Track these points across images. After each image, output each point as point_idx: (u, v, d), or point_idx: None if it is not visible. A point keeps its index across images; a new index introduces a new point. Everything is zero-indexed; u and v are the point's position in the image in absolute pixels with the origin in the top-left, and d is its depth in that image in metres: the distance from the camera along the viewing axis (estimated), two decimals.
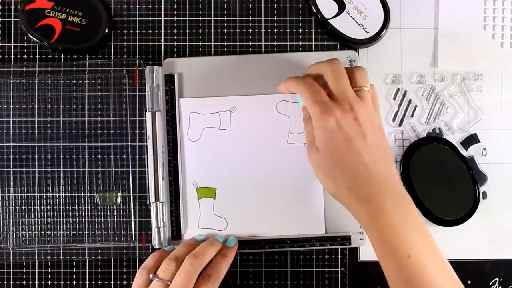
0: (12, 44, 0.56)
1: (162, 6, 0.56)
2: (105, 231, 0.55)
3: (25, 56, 0.56)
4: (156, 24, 0.56)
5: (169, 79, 0.55)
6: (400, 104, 0.56)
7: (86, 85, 0.55)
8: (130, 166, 0.55)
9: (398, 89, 0.56)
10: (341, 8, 0.55)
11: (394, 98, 0.56)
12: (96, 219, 0.55)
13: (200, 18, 0.56)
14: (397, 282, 0.43)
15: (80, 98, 0.55)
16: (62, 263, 0.55)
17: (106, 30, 0.54)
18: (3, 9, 0.56)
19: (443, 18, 0.56)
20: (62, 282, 0.55)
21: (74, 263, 0.55)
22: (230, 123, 0.54)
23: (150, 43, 0.56)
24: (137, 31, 0.56)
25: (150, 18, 0.56)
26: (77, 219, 0.55)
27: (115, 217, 0.55)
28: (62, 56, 0.56)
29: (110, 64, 0.55)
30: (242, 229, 0.54)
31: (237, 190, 0.54)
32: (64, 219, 0.55)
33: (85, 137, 0.55)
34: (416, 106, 0.56)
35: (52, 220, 0.55)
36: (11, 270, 0.55)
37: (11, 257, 0.55)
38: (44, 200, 0.55)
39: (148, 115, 0.54)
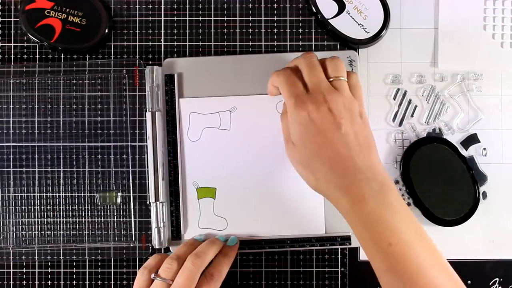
0: (12, 44, 0.56)
1: (162, 6, 0.56)
2: (105, 231, 0.55)
3: (25, 56, 0.56)
4: (156, 24, 0.56)
5: (169, 79, 0.55)
6: (400, 104, 0.56)
7: (86, 85, 0.55)
8: (130, 166, 0.55)
9: (398, 89, 0.56)
10: (341, 8, 0.55)
11: (394, 98, 0.56)
12: (96, 219, 0.55)
13: (200, 18, 0.56)
14: (382, 271, 0.42)
15: (80, 98, 0.55)
16: (62, 263, 0.55)
17: (106, 30, 0.54)
18: (3, 9, 0.56)
19: (443, 18, 0.56)
20: (62, 282, 0.55)
21: (74, 263, 0.55)
22: (230, 123, 0.54)
23: (150, 43, 0.56)
24: (137, 31, 0.56)
25: (150, 18, 0.56)
26: (77, 219, 0.55)
27: (115, 217, 0.55)
28: (62, 56, 0.56)
29: (110, 64, 0.55)
30: (242, 229, 0.54)
31: (237, 190, 0.54)
32: (64, 219, 0.55)
33: (85, 137, 0.55)
34: (416, 106, 0.56)
35: (52, 220, 0.55)
36: (11, 270, 0.55)
37: (11, 257, 0.55)
38: (44, 200, 0.55)
39: (148, 115, 0.54)
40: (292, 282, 0.55)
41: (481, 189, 0.55)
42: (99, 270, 0.55)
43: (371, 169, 0.44)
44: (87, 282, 0.55)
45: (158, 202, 0.54)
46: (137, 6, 0.56)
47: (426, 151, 0.54)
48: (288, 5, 0.56)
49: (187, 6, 0.56)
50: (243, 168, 0.54)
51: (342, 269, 0.55)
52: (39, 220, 0.55)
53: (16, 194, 0.55)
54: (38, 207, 0.55)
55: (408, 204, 0.55)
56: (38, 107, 0.55)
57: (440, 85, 0.56)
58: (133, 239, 0.55)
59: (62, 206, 0.55)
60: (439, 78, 0.56)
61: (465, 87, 0.56)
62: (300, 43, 0.56)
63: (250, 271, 0.56)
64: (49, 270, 0.55)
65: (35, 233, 0.55)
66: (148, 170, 0.54)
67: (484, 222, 0.55)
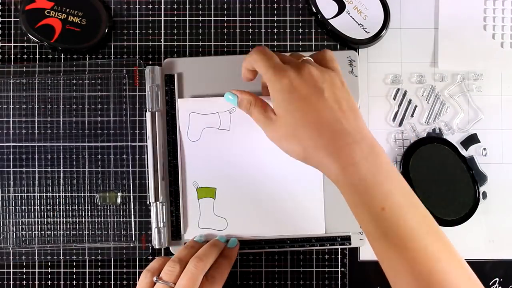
0: (12, 44, 0.56)
1: (162, 6, 0.56)
2: (105, 231, 0.55)
3: (25, 56, 0.56)
4: (156, 24, 0.56)
5: (169, 79, 0.55)
6: (400, 104, 0.56)
7: (86, 85, 0.55)
8: (130, 166, 0.55)
9: (398, 89, 0.56)
10: (341, 8, 0.55)
11: (394, 98, 0.56)
12: (96, 219, 0.55)
13: (200, 18, 0.56)
14: (375, 237, 0.41)
15: (80, 98, 0.55)
16: (62, 263, 0.55)
17: (106, 30, 0.54)
18: (3, 9, 0.56)
19: (443, 18, 0.56)
20: (62, 282, 0.55)
21: (74, 263, 0.55)
22: (230, 123, 0.54)
23: (150, 43, 0.56)
24: (137, 31, 0.56)
25: (150, 18, 0.56)
26: (77, 219, 0.55)
27: (115, 217, 0.55)
28: (62, 56, 0.56)
29: (110, 64, 0.55)
30: (242, 229, 0.54)
31: (237, 190, 0.54)
32: (64, 219, 0.55)
33: (85, 137, 0.55)
34: (416, 106, 0.56)
35: (52, 220, 0.55)
36: (11, 270, 0.55)
37: (11, 257, 0.55)
38: (44, 200, 0.55)
39: (148, 115, 0.54)
40: (292, 282, 0.55)
41: (481, 189, 0.55)
42: (99, 270, 0.55)
43: (359, 132, 0.43)
44: (87, 282, 0.55)
45: (158, 202, 0.54)
46: (137, 6, 0.56)
47: (426, 151, 0.54)
48: (288, 5, 0.56)
49: (187, 6, 0.56)
50: (243, 168, 0.54)
51: (342, 269, 0.55)
52: (39, 220, 0.55)
53: (16, 194, 0.55)
54: (38, 207, 0.55)
55: None
56: (38, 107, 0.55)
57: (440, 85, 0.56)
58: (133, 239, 0.55)
59: (62, 206, 0.55)
60: (439, 78, 0.56)
61: (465, 87, 0.56)
62: (300, 43, 0.56)
63: (250, 271, 0.56)
64: (49, 270, 0.55)
65: (35, 233, 0.55)
66: (148, 170, 0.54)
67: (484, 222, 0.55)
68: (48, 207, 0.55)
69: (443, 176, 0.54)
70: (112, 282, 0.55)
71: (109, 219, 0.55)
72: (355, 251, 0.55)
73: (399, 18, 0.56)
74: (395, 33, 0.56)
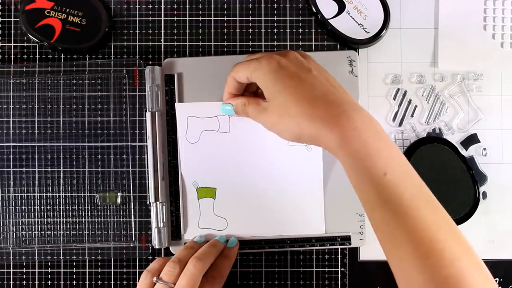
0: (12, 44, 0.56)
1: (162, 6, 0.56)
2: (105, 231, 0.55)
3: (25, 56, 0.56)
4: (156, 24, 0.56)
5: (169, 79, 0.55)
6: (400, 104, 0.56)
7: (86, 85, 0.55)
8: (130, 166, 0.55)
9: (398, 89, 0.56)
10: (341, 8, 0.55)
11: (394, 98, 0.56)
12: (96, 219, 0.55)
13: (200, 18, 0.56)
14: (375, 205, 0.40)
15: (80, 98, 0.55)
16: (62, 263, 0.55)
17: (106, 30, 0.54)
18: (3, 9, 0.56)
19: (443, 18, 0.56)
20: (62, 282, 0.55)
21: (74, 263, 0.55)
22: (229, 126, 0.54)
23: (150, 43, 0.56)
24: (137, 31, 0.56)
25: (150, 18, 0.56)
26: (77, 219, 0.55)
27: (115, 217, 0.55)
28: (62, 56, 0.56)
29: (110, 64, 0.55)
30: (242, 229, 0.54)
31: (237, 190, 0.54)
32: (64, 219, 0.55)
33: (85, 137, 0.55)
34: (416, 106, 0.56)
35: (52, 220, 0.55)
36: (11, 270, 0.55)
37: (11, 257, 0.55)
38: (44, 200, 0.55)
39: (148, 115, 0.54)
40: (292, 282, 0.55)
41: (481, 189, 0.55)
42: (99, 270, 0.55)
43: (353, 102, 0.43)
44: (87, 282, 0.55)
45: (158, 202, 0.54)
46: (137, 6, 0.56)
47: (426, 151, 0.54)
48: (288, 5, 0.56)
49: (187, 6, 0.56)
50: (243, 169, 0.54)
51: (342, 269, 0.55)
52: (39, 220, 0.55)
53: (16, 194, 0.55)
54: (38, 207, 0.55)
55: None
56: (38, 107, 0.55)
57: (440, 85, 0.56)
58: (133, 239, 0.55)
59: (62, 206, 0.55)
60: (439, 78, 0.56)
61: (465, 87, 0.56)
62: (300, 43, 0.56)
63: (250, 271, 0.56)
64: (49, 270, 0.55)
65: (35, 233, 0.55)
66: (148, 170, 0.54)
67: (484, 222, 0.55)
68: (48, 207, 0.55)
69: (443, 176, 0.54)
70: (112, 282, 0.55)
71: (109, 219, 0.55)
72: (355, 251, 0.55)
73: (399, 18, 0.56)
74: (395, 33, 0.56)
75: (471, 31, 0.56)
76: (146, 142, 0.55)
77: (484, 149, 0.56)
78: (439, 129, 0.56)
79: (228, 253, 0.51)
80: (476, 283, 0.37)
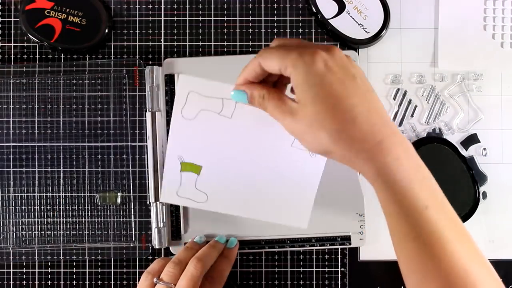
0: (12, 44, 0.56)
1: (162, 6, 0.56)
2: (105, 231, 0.55)
3: (25, 56, 0.56)
4: (156, 24, 0.56)
5: (169, 79, 0.55)
6: (400, 104, 0.56)
7: (86, 85, 0.55)
8: (130, 166, 0.55)
9: (398, 89, 0.56)
10: (341, 8, 0.55)
11: (394, 98, 0.56)
12: (96, 219, 0.55)
13: (200, 18, 0.56)
14: (409, 237, 0.38)
15: (80, 98, 0.55)
16: (62, 263, 0.55)
17: (106, 30, 0.54)
18: (3, 9, 0.56)
19: (443, 18, 0.56)
20: (62, 282, 0.55)
21: (74, 263, 0.55)
22: (233, 112, 0.48)
23: (150, 43, 0.56)
24: (137, 31, 0.56)
25: (150, 18, 0.56)
26: (77, 219, 0.55)
27: (115, 217, 0.55)
28: (62, 56, 0.56)
29: (110, 64, 0.55)
30: (221, 206, 0.50)
31: (225, 173, 0.50)
32: (64, 219, 0.55)
33: (85, 137, 0.55)
34: (416, 106, 0.56)
35: (52, 220, 0.55)
36: (11, 270, 0.55)
37: (11, 257, 0.55)
38: (44, 200, 0.55)
39: (148, 115, 0.54)
40: (292, 282, 0.55)
41: (481, 189, 0.55)
42: (99, 270, 0.55)
43: (391, 124, 0.39)
44: (87, 282, 0.55)
45: (158, 202, 0.54)
46: (137, 6, 0.56)
47: (426, 151, 0.54)
48: (288, 5, 0.56)
49: (187, 6, 0.56)
50: (236, 157, 0.49)
51: (342, 269, 0.55)
52: (39, 220, 0.55)
53: (16, 194, 0.55)
54: (38, 207, 0.55)
55: None
56: (38, 107, 0.55)
57: (440, 85, 0.56)
58: (133, 239, 0.55)
59: (62, 206, 0.55)
60: (439, 78, 0.56)
61: (465, 87, 0.56)
62: None
63: (250, 271, 0.56)
64: (49, 270, 0.55)
65: (35, 233, 0.55)
66: (148, 170, 0.54)
67: (484, 222, 0.55)
68: (48, 207, 0.55)
69: (443, 176, 0.54)
70: (112, 282, 0.55)
71: (109, 219, 0.55)
72: (355, 251, 0.55)
73: (399, 18, 0.56)
74: (395, 33, 0.56)
75: (471, 31, 0.56)
76: (146, 142, 0.55)
77: (484, 149, 0.56)
78: (439, 129, 0.56)
79: (228, 253, 0.51)
80: None
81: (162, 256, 0.55)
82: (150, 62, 0.56)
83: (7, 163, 0.55)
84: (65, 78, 0.55)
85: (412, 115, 0.56)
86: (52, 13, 0.54)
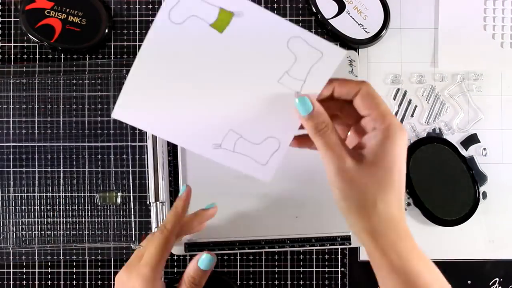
0: (12, 44, 0.56)
1: None
2: (105, 231, 0.55)
3: (25, 56, 0.56)
4: None
5: None
6: (400, 104, 0.56)
7: (86, 85, 0.55)
8: (130, 166, 0.55)
9: (398, 89, 0.56)
10: (341, 8, 0.55)
11: (394, 98, 0.56)
12: (96, 219, 0.55)
13: None
14: None
15: (80, 98, 0.55)
16: (62, 263, 0.55)
17: (106, 30, 0.54)
18: (3, 9, 0.56)
19: (443, 18, 0.56)
20: (62, 282, 0.55)
21: (74, 263, 0.55)
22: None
23: None
24: (137, 31, 0.56)
25: (150, 18, 0.56)
26: (77, 219, 0.55)
27: (115, 217, 0.55)
28: (62, 56, 0.56)
29: (110, 64, 0.55)
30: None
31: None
32: (64, 219, 0.55)
33: (85, 137, 0.55)
34: (416, 106, 0.56)
35: (52, 220, 0.55)
36: (11, 270, 0.55)
37: (11, 257, 0.55)
38: (44, 200, 0.55)
39: None
40: (292, 282, 0.55)
41: (481, 189, 0.55)
42: (99, 270, 0.55)
43: (403, 218, 0.39)
44: (87, 282, 0.55)
45: (158, 202, 0.54)
46: (137, 6, 0.56)
47: (426, 151, 0.54)
48: (288, 5, 0.56)
49: None
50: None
51: (342, 269, 0.55)
52: (39, 220, 0.55)
53: (16, 194, 0.55)
54: (38, 207, 0.55)
55: (408, 204, 0.55)
56: (38, 107, 0.55)
57: (440, 85, 0.56)
58: (133, 239, 0.55)
59: (62, 206, 0.55)
60: (439, 78, 0.56)
61: (465, 87, 0.56)
62: None
63: (250, 271, 0.56)
64: (49, 270, 0.55)
65: (35, 233, 0.55)
66: (148, 170, 0.54)
67: (484, 222, 0.55)
68: (48, 207, 0.55)
69: (443, 176, 0.54)
70: (112, 282, 0.55)
71: (109, 219, 0.55)
72: (355, 251, 0.55)
73: (399, 18, 0.56)
74: (395, 33, 0.56)
75: (471, 31, 0.56)
76: (146, 142, 0.55)
77: (484, 149, 0.56)
78: (439, 129, 0.56)
79: (201, 212, 0.50)
80: None
81: None
82: None
83: (7, 163, 0.55)
84: (65, 78, 0.55)
85: (412, 115, 0.56)
86: (52, 13, 0.54)
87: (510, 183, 0.56)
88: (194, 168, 0.54)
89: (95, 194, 0.55)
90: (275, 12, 0.56)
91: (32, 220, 0.55)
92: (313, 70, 0.40)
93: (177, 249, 0.54)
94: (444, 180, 0.54)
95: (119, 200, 0.55)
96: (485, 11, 0.56)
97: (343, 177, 0.36)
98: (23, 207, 0.55)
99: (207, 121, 0.42)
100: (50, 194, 0.55)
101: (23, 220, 0.55)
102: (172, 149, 0.54)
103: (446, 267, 0.56)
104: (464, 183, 0.54)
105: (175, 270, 0.56)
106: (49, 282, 0.55)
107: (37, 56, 0.56)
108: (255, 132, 0.42)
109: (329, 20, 0.55)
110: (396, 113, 0.56)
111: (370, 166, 0.36)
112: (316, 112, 0.37)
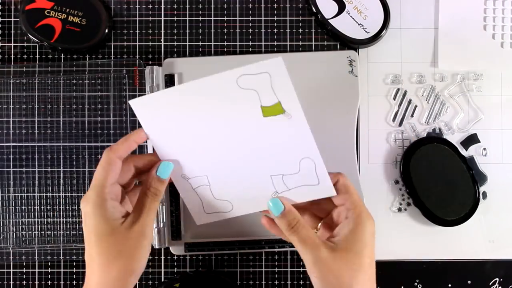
0: (12, 44, 0.56)
1: (162, 6, 0.56)
2: None
3: (25, 56, 0.56)
4: (156, 24, 0.56)
5: (169, 79, 0.55)
6: (400, 104, 0.56)
7: (86, 85, 0.55)
8: None
9: (398, 89, 0.56)
10: (341, 8, 0.55)
11: (394, 98, 0.56)
12: None
13: (200, 18, 0.56)
14: None
15: (80, 98, 0.55)
16: (62, 263, 0.55)
17: (106, 30, 0.54)
18: (3, 9, 0.56)
19: (443, 18, 0.56)
20: (62, 282, 0.55)
21: (74, 263, 0.55)
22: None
23: (150, 43, 0.56)
24: (137, 31, 0.56)
25: (150, 18, 0.56)
26: (77, 219, 0.55)
27: None
28: (62, 56, 0.56)
29: (110, 64, 0.55)
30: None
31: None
32: (64, 219, 0.55)
33: (85, 137, 0.55)
34: (416, 106, 0.56)
35: (52, 220, 0.55)
36: (11, 270, 0.55)
37: (11, 257, 0.55)
38: (44, 200, 0.55)
39: None
40: (292, 282, 0.55)
41: (481, 189, 0.55)
42: None
43: None
44: None
45: None
46: (137, 6, 0.56)
47: (426, 151, 0.54)
48: (288, 5, 0.56)
49: (187, 6, 0.56)
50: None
51: None
52: (39, 220, 0.55)
53: (16, 194, 0.55)
54: (38, 207, 0.55)
55: (408, 204, 0.55)
56: (38, 107, 0.55)
57: (440, 85, 0.56)
58: None
59: (62, 206, 0.55)
60: (439, 78, 0.56)
61: (465, 87, 0.56)
62: (300, 43, 0.56)
63: (250, 271, 0.56)
64: (49, 270, 0.55)
65: (35, 233, 0.55)
66: None
67: (484, 222, 0.55)
68: (48, 207, 0.55)
69: (443, 176, 0.54)
70: None
71: None
72: None
73: (399, 18, 0.56)
74: (395, 33, 0.56)
75: (471, 31, 0.56)
76: (146, 142, 0.55)
77: (484, 149, 0.56)
78: (439, 129, 0.56)
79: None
80: None
81: (162, 256, 0.55)
82: (150, 62, 0.56)
83: (7, 163, 0.55)
84: (65, 78, 0.55)
85: (412, 115, 0.56)
86: (52, 13, 0.54)
87: (510, 183, 0.56)
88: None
89: None
90: (275, 12, 0.56)
91: (32, 220, 0.55)
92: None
93: (177, 249, 0.54)
94: (444, 180, 0.54)
95: None
96: (485, 11, 0.56)
97: (320, 267, 0.40)
98: (23, 207, 0.55)
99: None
100: (50, 194, 0.55)
101: (23, 220, 0.55)
102: None
103: (446, 267, 0.56)
104: (464, 183, 0.54)
105: (175, 270, 0.56)
106: (49, 282, 0.55)
107: (37, 56, 0.56)
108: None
109: (329, 20, 0.55)
110: (396, 113, 0.56)
111: (343, 252, 0.41)
112: (287, 211, 0.43)
